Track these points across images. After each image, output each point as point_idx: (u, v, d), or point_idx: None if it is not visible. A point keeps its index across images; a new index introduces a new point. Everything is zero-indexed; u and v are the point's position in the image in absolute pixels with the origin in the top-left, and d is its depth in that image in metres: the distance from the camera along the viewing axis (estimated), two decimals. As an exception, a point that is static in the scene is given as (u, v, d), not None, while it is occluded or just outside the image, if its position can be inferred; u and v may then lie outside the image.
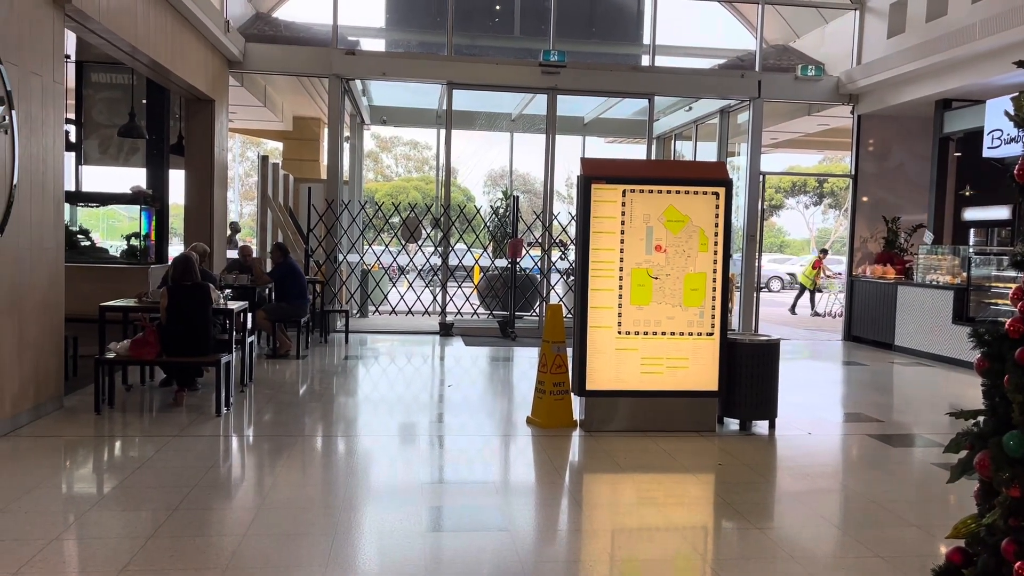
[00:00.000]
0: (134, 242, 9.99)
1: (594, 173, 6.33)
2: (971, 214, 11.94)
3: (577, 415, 6.55)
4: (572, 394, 6.53)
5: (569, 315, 8.69)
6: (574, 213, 8.41)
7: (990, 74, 10.13)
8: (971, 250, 11.00)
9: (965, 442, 2.55)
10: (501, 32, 14.62)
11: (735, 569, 3.85)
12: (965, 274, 10.63)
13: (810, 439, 6.59)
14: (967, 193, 12.00)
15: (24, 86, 5.95)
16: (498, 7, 14.61)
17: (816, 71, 12.87)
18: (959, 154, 12.05)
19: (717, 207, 6.36)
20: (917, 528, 4.46)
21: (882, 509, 4.75)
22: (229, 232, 13.65)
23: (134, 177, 11.07)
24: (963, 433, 2.57)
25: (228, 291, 8.55)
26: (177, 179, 11.30)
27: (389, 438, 6.24)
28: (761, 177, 13.20)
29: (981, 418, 2.54)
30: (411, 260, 12.90)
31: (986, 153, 10.54)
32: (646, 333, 6.34)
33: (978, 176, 11.86)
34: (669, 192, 6.31)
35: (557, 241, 12.92)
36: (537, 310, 13.32)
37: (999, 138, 10.23)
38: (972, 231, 11.75)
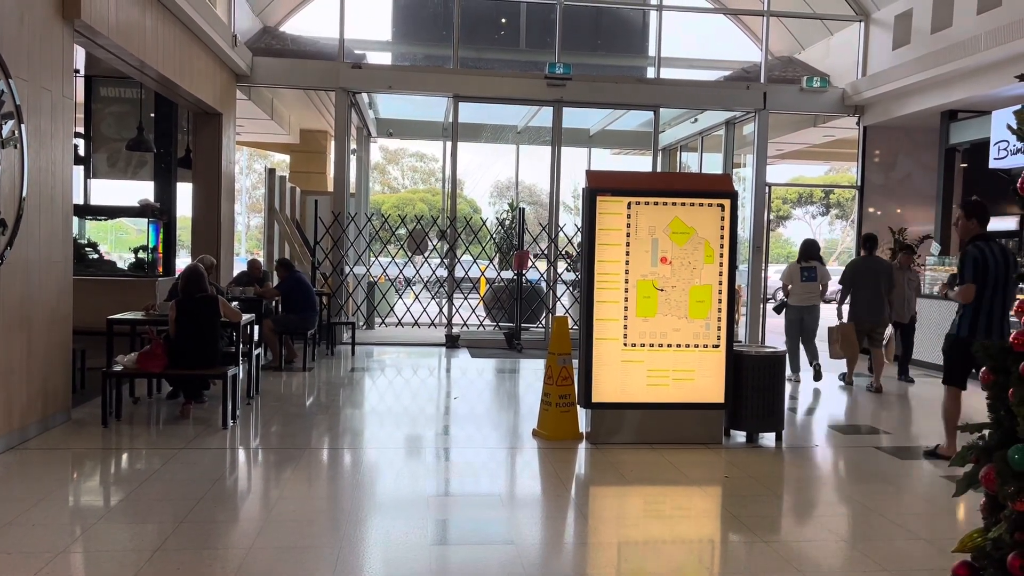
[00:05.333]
0: (142, 255, 10.04)
1: (599, 185, 6.34)
2: (978, 225, 11.88)
3: (583, 427, 6.55)
4: (578, 406, 6.52)
5: (575, 327, 8.69)
6: (580, 225, 8.43)
7: (996, 85, 10.13)
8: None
9: (971, 455, 2.54)
10: (507, 45, 14.69)
11: (741, 583, 3.84)
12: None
13: (817, 451, 6.57)
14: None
15: (33, 101, 6.01)
16: (504, 20, 14.68)
17: (821, 83, 12.88)
18: (965, 165, 12.03)
19: (722, 219, 6.36)
20: (924, 541, 4.44)
21: (889, 522, 4.73)
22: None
23: (142, 190, 11.16)
24: (969, 446, 2.57)
25: (235, 303, 8.58)
26: (185, 192, 11.38)
27: (395, 450, 6.24)
28: (767, 188, 13.20)
29: (987, 431, 2.53)
30: (417, 272, 12.93)
31: (992, 164, 10.53)
32: (652, 345, 6.33)
33: (985, 187, 11.81)
34: (674, 204, 6.32)
35: (563, 253, 12.93)
36: (543, 322, 13.32)
37: (1005, 149, 10.22)
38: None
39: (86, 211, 10.51)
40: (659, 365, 6.34)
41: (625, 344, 6.31)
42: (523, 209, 13.37)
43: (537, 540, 4.43)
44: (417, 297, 13.14)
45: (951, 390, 6.12)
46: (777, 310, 9.95)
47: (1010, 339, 2.40)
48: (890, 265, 9.65)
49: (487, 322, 13.25)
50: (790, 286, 9.63)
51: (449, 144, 13.11)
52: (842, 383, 9.61)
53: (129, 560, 3.83)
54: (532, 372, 10.04)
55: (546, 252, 12.94)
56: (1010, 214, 11.38)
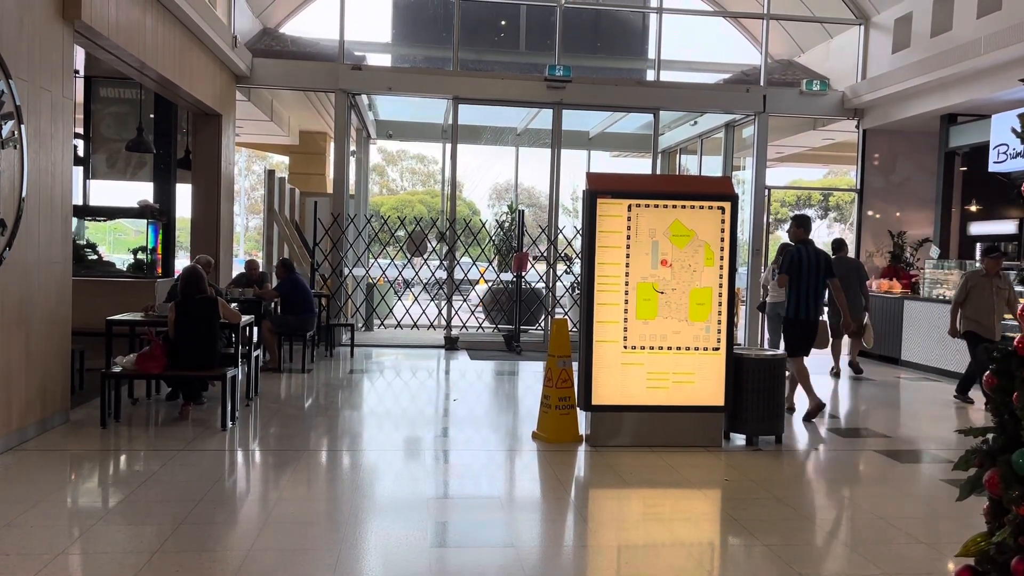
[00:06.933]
0: (141, 256, 10.03)
1: (600, 188, 6.34)
2: (977, 228, 11.91)
3: (583, 430, 6.54)
4: (578, 409, 6.51)
5: (574, 329, 8.68)
6: (579, 227, 8.44)
7: (995, 89, 10.13)
8: (978, 265, 10.96)
9: (974, 459, 2.54)
10: (507, 47, 14.69)
11: (742, 586, 3.83)
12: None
13: (817, 454, 6.56)
14: (973, 208, 11.99)
15: (33, 101, 6.00)
16: (504, 22, 14.68)
17: (821, 86, 12.88)
18: (964, 168, 12.04)
19: (723, 222, 6.35)
20: (926, 545, 4.43)
21: (890, 526, 4.72)
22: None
23: (141, 191, 11.14)
24: (972, 450, 2.56)
25: (234, 305, 8.57)
26: (184, 193, 11.37)
27: (394, 452, 6.23)
28: (766, 191, 13.20)
29: (990, 435, 2.52)
30: (416, 274, 12.92)
31: (992, 168, 10.53)
32: (652, 348, 6.32)
33: (984, 190, 11.84)
34: (675, 207, 6.32)
35: (562, 255, 12.93)
36: (542, 324, 13.31)
37: (1005, 153, 10.22)
38: (978, 245, 11.72)
39: (85, 212, 10.51)
40: (659, 368, 6.33)
41: (625, 347, 6.30)
42: (522, 211, 13.36)
43: (537, 543, 4.42)
44: (416, 299, 13.11)
45: (796, 360, 7.57)
46: (760, 308, 10.78)
47: (1015, 343, 2.40)
48: (860, 264, 10.92)
49: (486, 324, 13.23)
50: (768, 285, 10.34)
51: (449, 146, 13.11)
52: (853, 373, 10.52)
53: (128, 562, 3.82)
54: (531, 374, 10.03)
55: (545, 254, 12.94)
56: (1009, 218, 11.40)
